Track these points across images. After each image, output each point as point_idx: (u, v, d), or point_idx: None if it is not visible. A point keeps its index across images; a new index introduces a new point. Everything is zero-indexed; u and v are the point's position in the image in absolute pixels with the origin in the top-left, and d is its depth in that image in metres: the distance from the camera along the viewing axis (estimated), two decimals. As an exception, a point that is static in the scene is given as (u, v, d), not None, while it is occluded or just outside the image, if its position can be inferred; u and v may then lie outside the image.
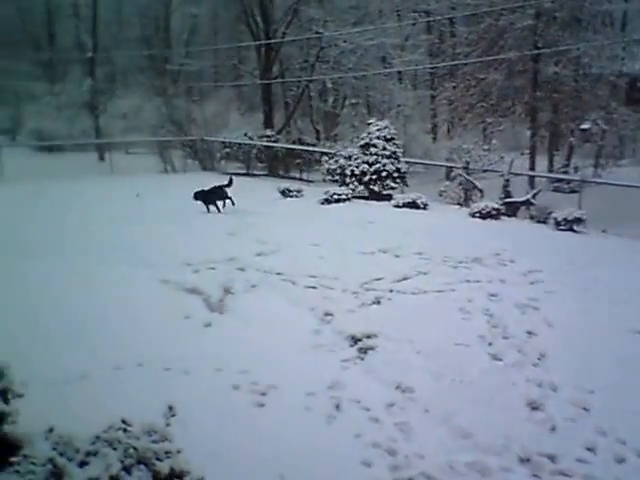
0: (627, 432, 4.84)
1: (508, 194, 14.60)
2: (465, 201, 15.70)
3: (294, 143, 24.14)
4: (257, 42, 25.75)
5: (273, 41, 25.21)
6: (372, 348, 6.25)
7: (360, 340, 6.42)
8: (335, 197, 15.06)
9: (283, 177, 22.38)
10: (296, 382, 5.54)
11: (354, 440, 4.70)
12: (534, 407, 5.23)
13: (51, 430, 3.43)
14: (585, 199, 14.49)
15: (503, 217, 13.60)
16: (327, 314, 7.12)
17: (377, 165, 15.96)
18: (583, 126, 22.65)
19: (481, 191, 15.42)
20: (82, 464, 3.22)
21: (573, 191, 17.73)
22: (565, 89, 22.71)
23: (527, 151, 23.67)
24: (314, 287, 8.09)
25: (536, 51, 21.77)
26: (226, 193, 13.46)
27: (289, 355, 6.13)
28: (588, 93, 22.80)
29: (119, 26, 38.83)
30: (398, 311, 7.28)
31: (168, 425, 3.54)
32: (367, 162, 16.11)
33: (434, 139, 30.01)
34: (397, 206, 14.51)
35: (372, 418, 5.02)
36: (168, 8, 35.85)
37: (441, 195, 16.50)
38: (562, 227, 12.52)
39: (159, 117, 25.61)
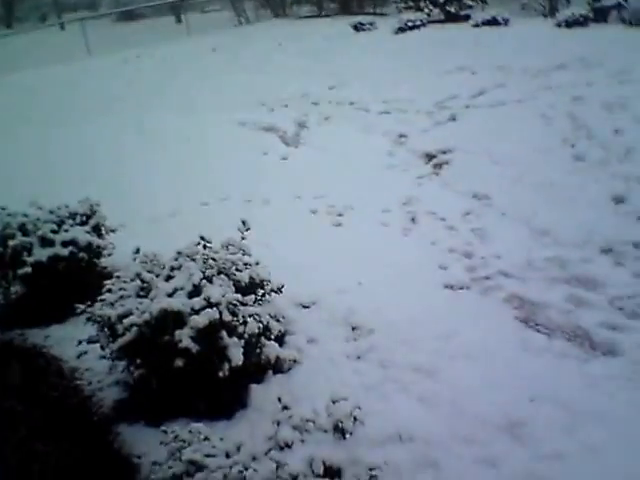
0: None
1: (599, -1, 13.28)
2: (551, 11, 14.47)
3: (365, -24, 22.77)
4: None
5: None
6: (447, 163, 6.16)
7: (435, 157, 6.33)
8: (409, 24, 14.24)
9: (357, 14, 21.36)
10: (371, 202, 5.59)
11: (430, 247, 4.75)
12: (619, 201, 5.03)
13: (137, 251, 3.65)
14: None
15: (592, 24, 12.46)
16: (401, 136, 7.03)
17: (452, -16, 14.87)
18: None
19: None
20: (168, 278, 3.42)
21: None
22: None
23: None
24: (387, 112, 7.94)
25: None
26: None
27: (363, 178, 6.15)
28: None
29: None
30: (475, 125, 7.05)
31: (243, 239, 3.66)
32: (441, -18, 15.02)
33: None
34: (476, 25, 13.59)
35: (448, 226, 5.03)
36: None
37: (524, 9, 15.25)
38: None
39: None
